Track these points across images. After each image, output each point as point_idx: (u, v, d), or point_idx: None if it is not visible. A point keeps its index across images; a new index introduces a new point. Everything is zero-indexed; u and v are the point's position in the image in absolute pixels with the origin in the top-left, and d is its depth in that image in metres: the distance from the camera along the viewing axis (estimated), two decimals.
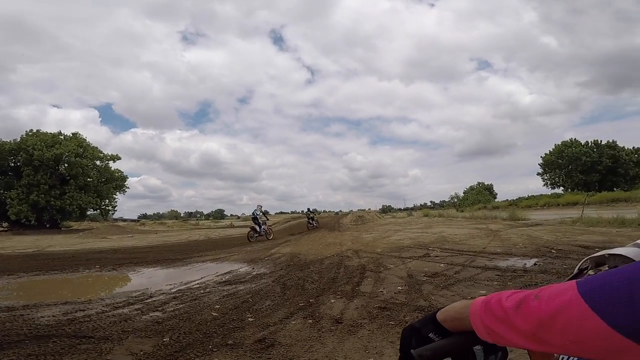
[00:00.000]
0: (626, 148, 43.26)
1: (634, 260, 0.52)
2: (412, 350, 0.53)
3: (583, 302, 0.37)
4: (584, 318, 0.37)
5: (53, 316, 4.34)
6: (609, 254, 0.55)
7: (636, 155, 42.74)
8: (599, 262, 0.57)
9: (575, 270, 0.60)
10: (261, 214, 16.58)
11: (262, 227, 15.73)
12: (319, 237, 14.21)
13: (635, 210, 12.05)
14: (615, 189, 38.07)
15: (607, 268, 0.54)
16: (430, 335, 0.55)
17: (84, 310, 4.60)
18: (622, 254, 0.53)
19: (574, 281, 0.41)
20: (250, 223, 16.52)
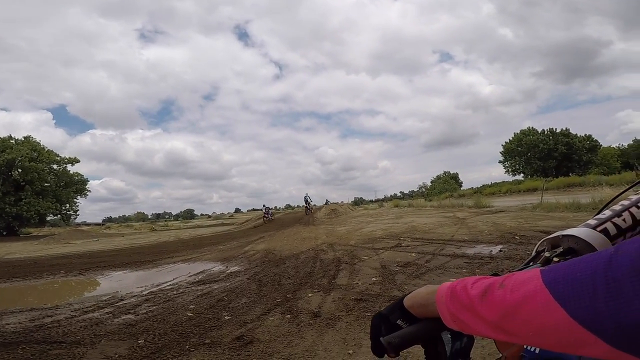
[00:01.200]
0: (579, 135, 46.08)
1: (585, 240, 0.55)
2: (381, 338, 0.54)
3: (547, 291, 0.36)
4: (547, 308, 0.36)
5: (19, 323, 4.16)
6: (562, 235, 0.58)
7: (588, 142, 45.59)
8: (554, 244, 0.59)
9: (533, 253, 0.62)
10: (309, 199, 27.48)
11: (310, 206, 25.46)
12: (294, 232, 14.22)
13: (589, 194, 12.89)
14: (570, 174, 40.49)
15: (562, 249, 0.57)
16: (399, 322, 0.54)
17: (51, 316, 4.44)
18: (574, 234, 0.57)
19: (538, 269, 0.40)
20: (304, 205, 27.85)
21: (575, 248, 0.56)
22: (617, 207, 0.61)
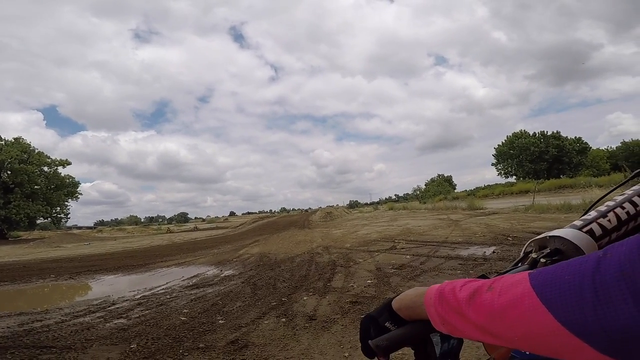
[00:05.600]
0: (569, 138, 46.82)
1: (570, 241, 0.56)
2: (369, 341, 0.53)
3: (535, 295, 0.36)
4: (534, 312, 0.35)
5: (7, 327, 4.12)
6: (549, 236, 0.58)
7: (578, 145, 46.36)
8: (541, 245, 0.59)
9: (521, 254, 0.62)
10: None
11: None
12: (289, 236, 14.19)
13: (580, 196, 13.08)
14: (561, 176, 41.05)
15: (549, 250, 0.57)
16: (387, 324, 0.54)
17: (41, 321, 4.39)
18: (560, 235, 0.57)
19: (526, 273, 0.39)
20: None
21: (561, 249, 0.56)
22: (602, 208, 0.61)
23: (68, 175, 36.38)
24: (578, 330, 0.32)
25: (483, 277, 0.50)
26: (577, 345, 0.32)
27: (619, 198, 0.62)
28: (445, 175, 67.49)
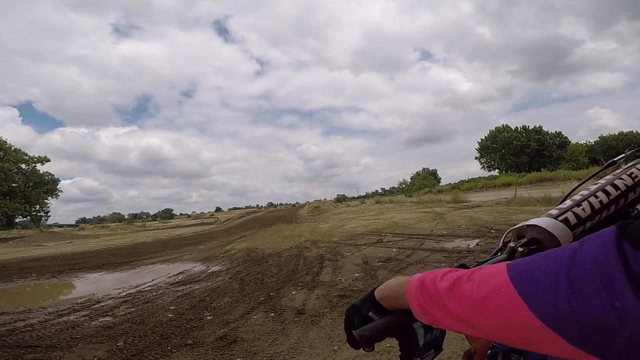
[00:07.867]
0: (549, 132, 48.03)
1: (547, 230, 0.57)
2: (353, 331, 0.53)
3: (512, 286, 0.35)
4: (511, 304, 0.35)
5: None
6: (526, 225, 0.59)
7: (558, 139, 47.60)
8: (519, 234, 0.60)
9: (500, 243, 0.63)
10: None
11: None
12: (277, 231, 14.17)
13: (559, 189, 13.42)
14: (542, 169, 42.11)
15: (526, 239, 0.58)
16: (370, 314, 0.54)
17: (24, 320, 4.32)
18: (537, 224, 0.58)
19: (504, 264, 0.39)
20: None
21: (538, 237, 0.57)
22: (577, 197, 0.64)
23: (47, 172, 35.52)
24: (552, 322, 0.32)
25: (463, 266, 0.51)
26: (551, 337, 0.32)
27: (593, 187, 0.64)
28: (430, 168, 68.55)
